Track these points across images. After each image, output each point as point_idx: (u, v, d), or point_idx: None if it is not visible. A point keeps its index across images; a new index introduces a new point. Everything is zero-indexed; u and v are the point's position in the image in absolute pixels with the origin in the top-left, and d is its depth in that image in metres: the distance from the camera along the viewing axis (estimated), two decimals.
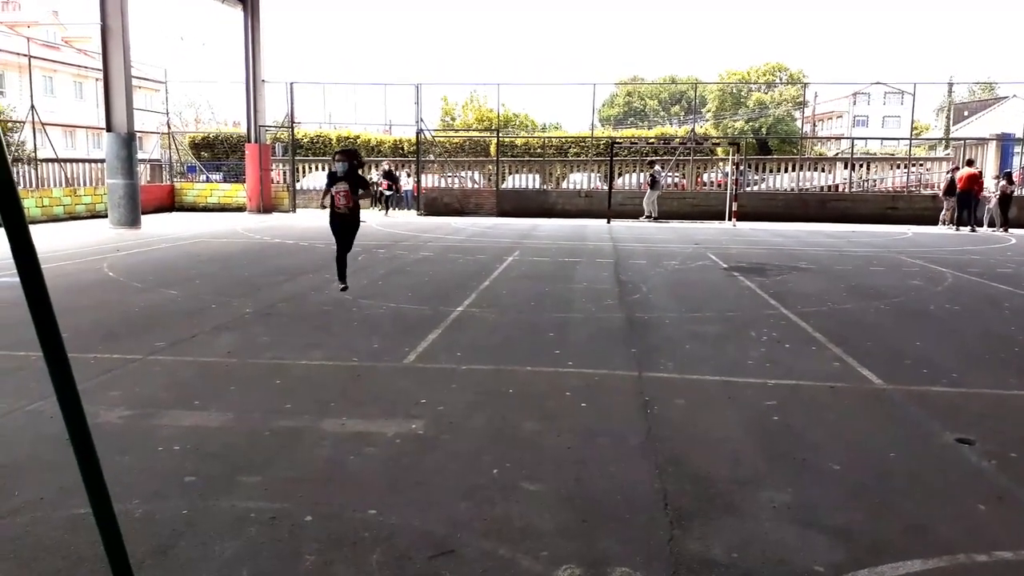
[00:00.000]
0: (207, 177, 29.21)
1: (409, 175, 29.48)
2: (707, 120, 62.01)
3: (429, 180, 27.24)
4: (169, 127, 28.70)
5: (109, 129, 17.06)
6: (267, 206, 24.28)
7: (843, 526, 3.12)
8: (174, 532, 2.97)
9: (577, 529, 3.06)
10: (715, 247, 14.59)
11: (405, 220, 22.35)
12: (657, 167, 23.83)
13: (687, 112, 66.34)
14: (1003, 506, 3.34)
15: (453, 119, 46.78)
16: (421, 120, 24.95)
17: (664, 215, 23.10)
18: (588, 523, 3.12)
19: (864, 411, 4.68)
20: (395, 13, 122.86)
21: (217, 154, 34.13)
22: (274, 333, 6.55)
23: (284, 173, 28.07)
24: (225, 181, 28.48)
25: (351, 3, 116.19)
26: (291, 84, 24.75)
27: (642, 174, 25.27)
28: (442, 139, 32.13)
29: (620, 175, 26.89)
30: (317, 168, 30.42)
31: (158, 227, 18.02)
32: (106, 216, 18.15)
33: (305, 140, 34.13)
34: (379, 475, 3.57)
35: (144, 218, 18.59)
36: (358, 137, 35.17)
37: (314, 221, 19.86)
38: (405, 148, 33.62)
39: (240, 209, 24.70)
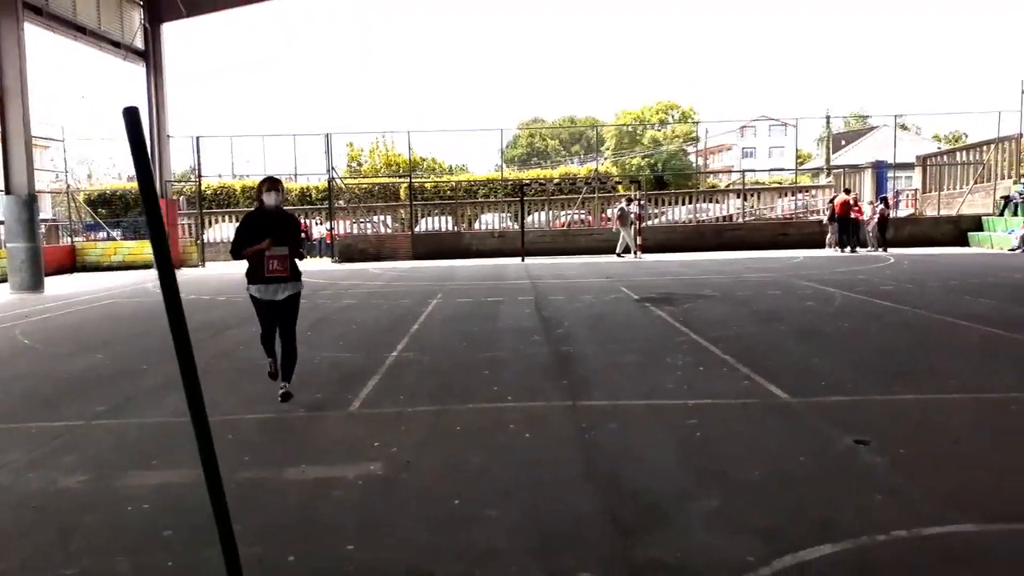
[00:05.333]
0: (107, 234, 28.29)
1: (320, 223, 29.43)
2: (606, 158, 64.45)
3: (341, 227, 27.29)
4: (68, 185, 27.74)
5: (8, 192, 16.50)
6: (175, 262, 23.77)
7: (766, 524, 3.59)
8: None
9: (539, 547, 3.42)
10: (625, 280, 15.35)
11: (320, 268, 22.32)
12: (623, 203, 23.62)
13: (587, 151, 68.82)
14: (896, 495, 3.90)
15: (360, 165, 46.92)
16: (333, 168, 25.12)
17: (569, 251, 23.89)
18: (547, 541, 3.48)
19: (774, 423, 5.24)
20: (302, 64, 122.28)
21: (116, 211, 33.10)
22: (214, 390, 6.63)
23: (187, 227, 27.51)
24: (125, 238, 27.63)
25: (254, 56, 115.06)
26: (197, 138, 24.52)
27: (609, 208, 25.69)
28: (352, 185, 32.25)
29: (529, 214, 27.71)
30: (224, 220, 29.97)
31: (63, 289, 17.40)
32: (5, 281, 17.43)
33: (208, 192, 33.53)
34: (349, 515, 3.82)
35: (45, 280, 17.93)
36: None
37: (226, 274, 19.60)
38: (313, 195, 33.54)
39: (147, 266, 24.05)
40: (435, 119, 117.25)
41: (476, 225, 28.02)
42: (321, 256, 27.62)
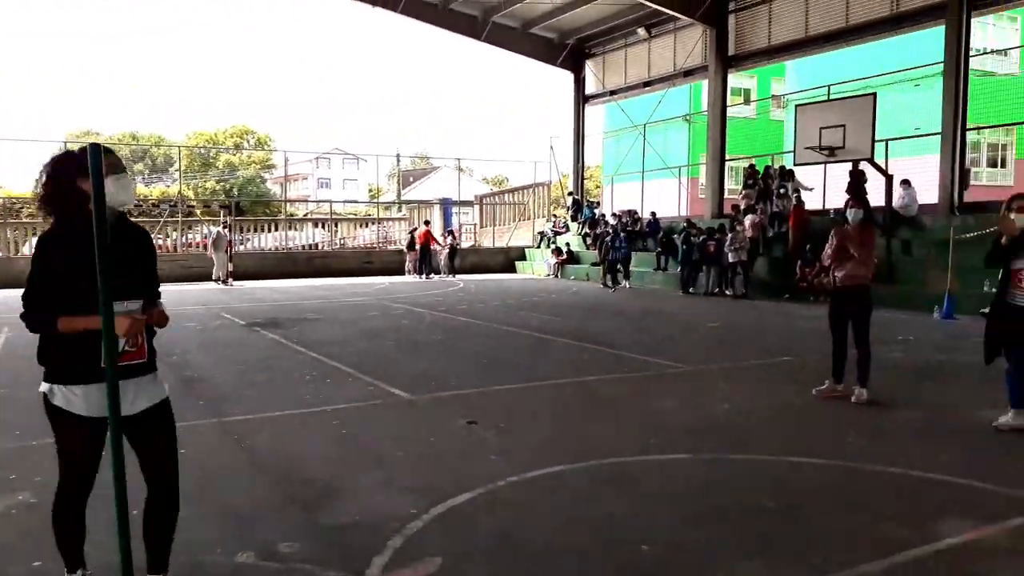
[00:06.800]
0: None
1: None
2: (176, 180, 60.63)
3: None
4: None
5: None
6: None
7: (416, 486, 4.50)
8: None
9: (237, 530, 3.83)
10: (224, 306, 15.20)
11: None
12: (220, 228, 22.75)
13: (152, 171, 63.77)
14: (504, 454, 5.16)
15: None
16: None
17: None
18: (243, 525, 3.91)
19: (403, 416, 6.26)
20: None
21: None
22: None
23: None
24: None
25: None
26: None
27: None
28: None
29: None
30: None
31: None
32: None
33: None
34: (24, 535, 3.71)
35: None
36: None
37: None
38: None
39: None
40: None
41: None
42: None
